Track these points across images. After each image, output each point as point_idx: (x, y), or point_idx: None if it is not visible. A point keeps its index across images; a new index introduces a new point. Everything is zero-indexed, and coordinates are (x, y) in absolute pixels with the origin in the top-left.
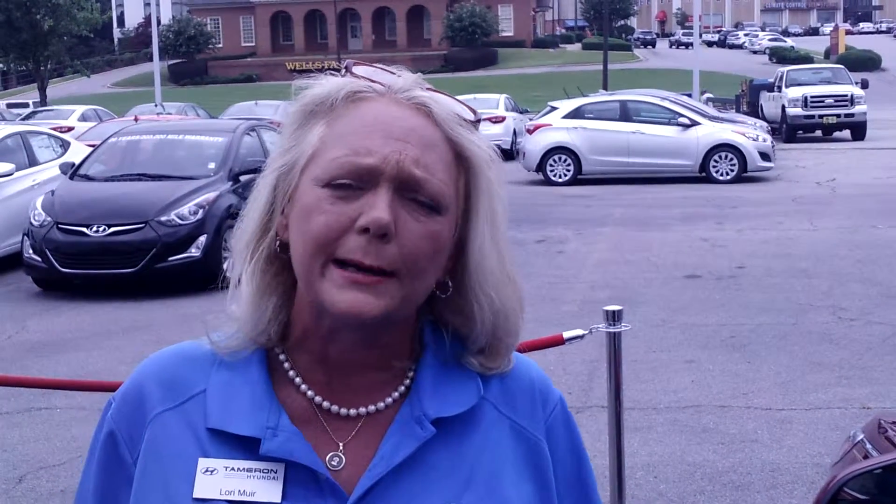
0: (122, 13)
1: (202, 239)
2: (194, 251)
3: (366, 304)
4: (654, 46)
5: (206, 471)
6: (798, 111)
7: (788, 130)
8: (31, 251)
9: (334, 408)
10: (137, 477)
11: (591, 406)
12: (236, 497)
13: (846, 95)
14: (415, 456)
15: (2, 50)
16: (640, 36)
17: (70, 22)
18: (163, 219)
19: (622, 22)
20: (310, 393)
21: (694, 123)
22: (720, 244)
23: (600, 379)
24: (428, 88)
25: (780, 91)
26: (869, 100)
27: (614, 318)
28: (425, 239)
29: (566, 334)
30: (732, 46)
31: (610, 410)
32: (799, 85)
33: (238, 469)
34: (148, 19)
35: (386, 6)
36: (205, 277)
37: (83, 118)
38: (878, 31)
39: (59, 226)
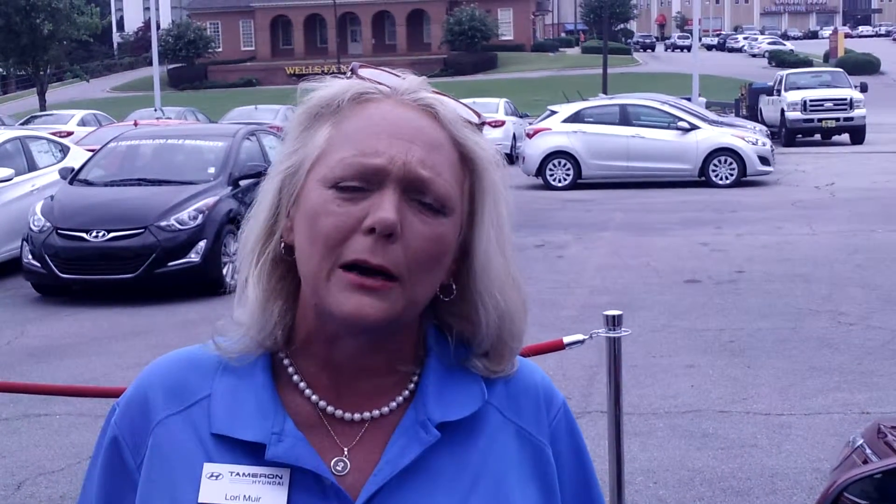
0: (121, 17)
1: (202, 244)
2: (194, 256)
3: (370, 308)
4: (653, 50)
5: (212, 476)
6: (797, 115)
7: (788, 134)
8: (30, 256)
9: (339, 412)
10: (142, 482)
11: (590, 411)
12: (241, 502)
13: (845, 99)
14: (420, 460)
15: (1, 54)
16: (640, 40)
17: (70, 26)
18: (162, 224)
19: (622, 26)
20: (314, 398)
21: (693, 127)
22: (720, 249)
23: (600, 384)
24: (433, 91)
25: (779, 95)
26: (868, 103)
27: (614, 322)
28: (430, 241)
29: (566, 339)
30: (732, 50)
31: (610, 415)
32: (798, 89)
33: (243, 474)
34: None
35: (386, 10)
36: (204, 283)
37: (82, 123)
38: (878, 35)
39: (59, 231)
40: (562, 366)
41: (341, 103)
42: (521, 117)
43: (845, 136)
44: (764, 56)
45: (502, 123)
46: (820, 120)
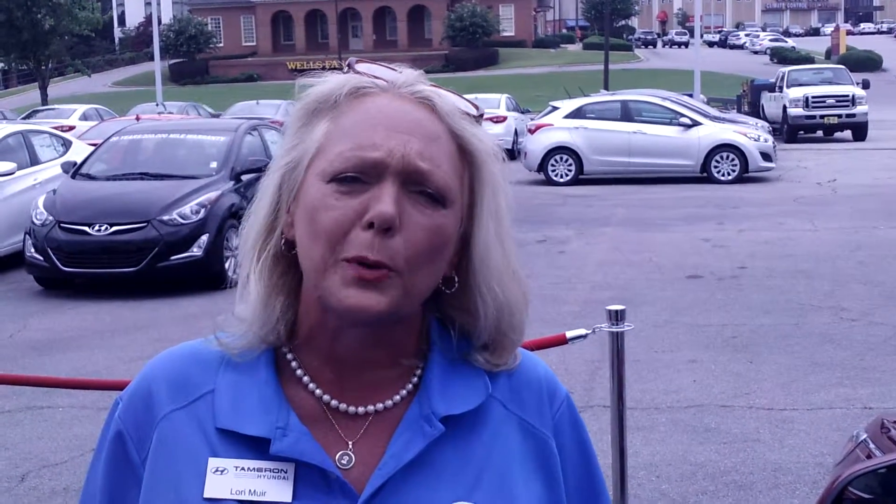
0: (122, 12)
1: (204, 238)
2: (196, 250)
3: (370, 300)
4: (654, 47)
5: (217, 470)
6: (799, 111)
7: (790, 131)
8: (32, 250)
9: (343, 406)
10: (147, 477)
11: (593, 406)
12: (247, 497)
13: (847, 96)
14: (424, 454)
15: (3, 49)
16: (641, 36)
17: (71, 21)
18: (165, 218)
19: (623, 22)
20: (318, 392)
21: (695, 123)
22: (721, 244)
23: (602, 379)
24: (430, 85)
25: (781, 91)
26: (870, 100)
27: (617, 317)
28: (430, 232)
29: (569, 334)
30: (733, 47)
31: (612, 410)
32: (800, 85)
33: (248, 469)
34: (149, 19)
35: (387, 6)
36: (206, 277)
37: (84, 117)
38: (879, 32)
39: (61, 225)
40: (564, 361)
41: (338, 98)
42: (522, 113)
43: (847, 133)
44: (765, 53)
45: (504, 119)
46: (822, 116)
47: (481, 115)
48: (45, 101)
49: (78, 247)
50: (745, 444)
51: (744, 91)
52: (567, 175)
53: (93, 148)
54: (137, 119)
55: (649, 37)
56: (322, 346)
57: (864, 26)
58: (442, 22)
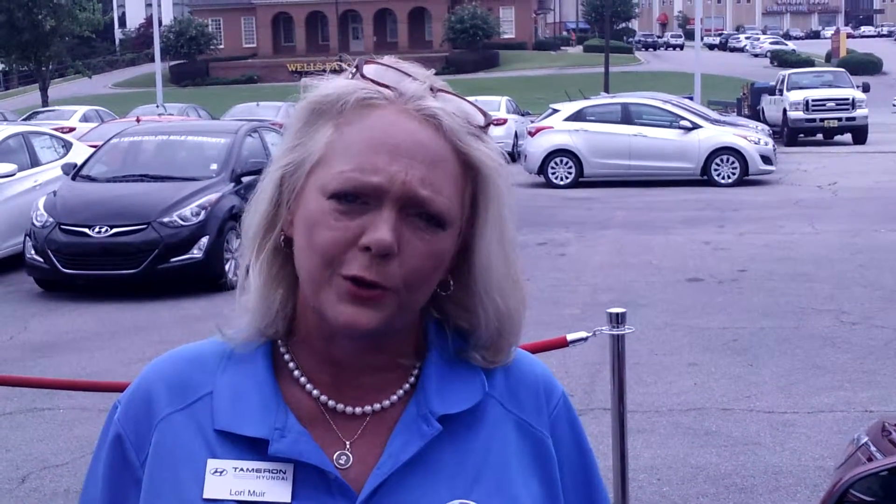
0: (123, 14)
1: (204, 240)
2: (196, 252)
3: (364, 318)
4: (655, 49)
5: (216, 472)
6: (799, 115)
7: (790, 134)
8: (33, 252)
9: (340, 406)
10: (146, 479)
11: (593, 408)
12: (246, 497)
13: (847, 99)
14: (422, 453)
15: (3, 50)
16: (642, 39)
17: (72, 22)
18: (165, 220)
19: (623, 24)
20: (315, 392)
21: (695, 126)
22: (722, 247)
23: (602, 381)
24: (440, 90)
25: (781, 94)
26: (870, 103)
27: (618, 320)
28: (428, 258)
29: (570, 336)
30: (734, 49)
31: (613, 413)
32: (800, 88)
33: (247, 470)
34: (149, 20)
35: (387, 7)
36: (207, 278)
37: (85, 119)
38: (880, 35)
39: (62, 226)
40: (565, 363)
41: (344, 106)
42: (522, 115)
43: (847, 136)
44: (766, 56)
45: (504, 122)
46: (822, 120)
47: (489, 125)
48: (45, 102)
49: (78, 248)
50: (745, 447)
51: (744, 94)
52: (567, 178)
53: (93, 149)
54: (138, 121)
55: (649, 39)
56: (318, 347)
57: (865, 29)
58: (442, 24)
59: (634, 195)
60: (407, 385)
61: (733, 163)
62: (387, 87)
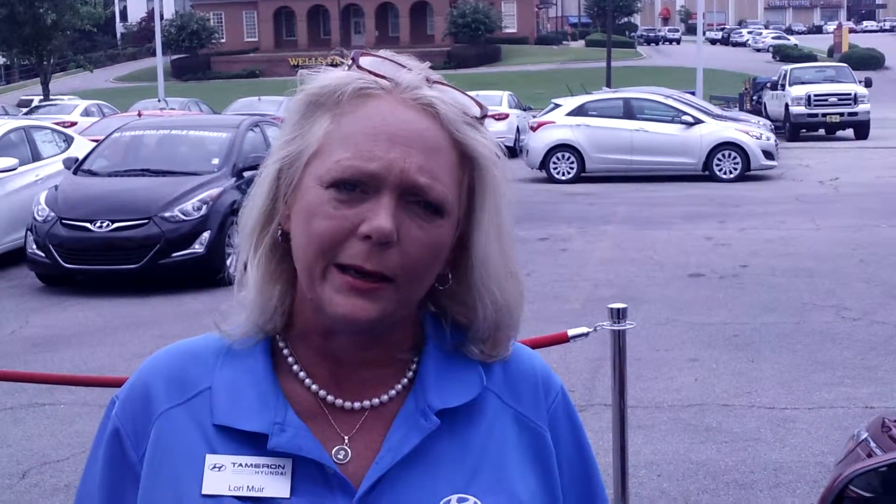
0: (124, 7)
1: (206, 235)
2: (198, 247)
3: (362, 309)
4: (657, 44)
5: (214, 467)
6: (801, 110)
7: (792, 129)
8: (34, 246)
9: (339, 401)
10: (145, 474)
11: (594, 404)
12: (245, 493)
13: (849, 94)
14: (421, 447)
15: (5, 44)
16: (644, 33)
17: (73, 16)
18: (166, 215)
19: (625, 19)
20: (314, 387)
21: (697, 122)
22: (723, 243)
23: (603, 377)
24: (436, 81)
25: (783, 89)
26: (872, 98)
27: (619, 315)
28: (427, 246)
29: (571, 332)
30: (736, 44)
31: (614, 408)
32: (802, 83)
33: (246, 465)
34: (151, 14)
35: (389, 2)
36: (208, 273)
37: (86, 113)
38: (882, 30)
39: (63, 221)
40: (565, 359)
41: (341, 97)
42: (524, 110)
43: (849, 132)
44: (768, 51)
45: (506, 116)
46: (824, 115)
47: (485, 116)
48: (46, 96)
49: (79, 243)
50: (746, 443)
51: (746, 89)
52: (569, 173)
53: (95, 144)
54: (139, 115)
55: (651, 34)
56: (317, 342)
57: (867, 24)
58: (444, 18)
59: (636, 190)
60: (405, 380)
61: (735, 158)
62: (383, 77)
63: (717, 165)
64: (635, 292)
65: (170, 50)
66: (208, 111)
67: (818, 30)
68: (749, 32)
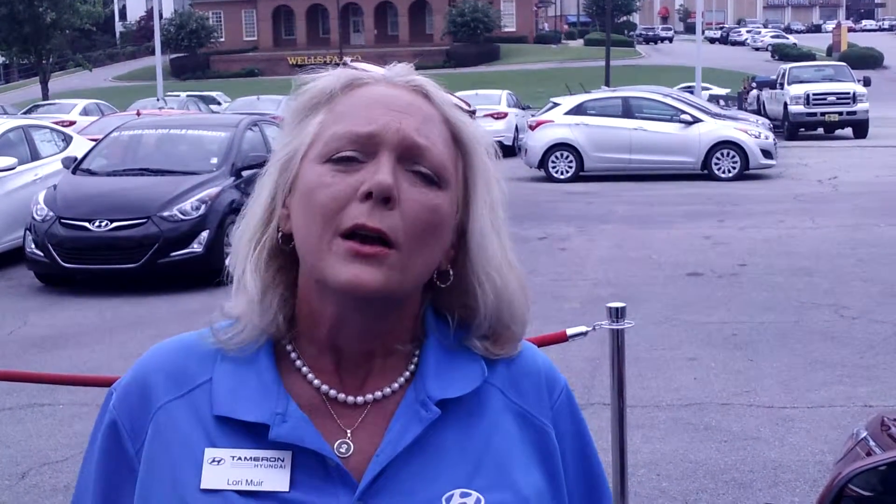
0: (123, 6)
1: (204, 234)
2: (196, 247)
3: (367, 276)
4: (655, 43)
5: (213, 461)
6: (800, 108)
7: (790, 128)
8: (33, 246)
9: (341, 396)
10: (143, 468)
11: (593, 403)
12: (244, 487)
13: (848, 93)
14: (422, 439)
15: (4, 43)
16: (643, 32)
17: (72, 15)
18: (165, 214)
19: (625, 18)
20: (316, 382)
21: (696, 120)
22: (722, 242)
23: (602, 376)
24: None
25: (782, 88)
26: (871, 98)
27: (618, 314)
28: (427, 209)
29: (570, 331)
30: (735, 43)
31: (613, 407)
32: (801, 82)
33: (245, 458)
34: (150, 13)
35: (388, 1)
36: (207, 273)
37: (85, 112)
38: (881, 29)
39: (62, 220)
40: (564, 358)
41: (334, 91)
42: (523, 109)
43: (848, 131)
44: (767, 49)
45: (505, 115)
46: (823, 114)
47: (473, 112)
48: (45, 95)
49: (78, 243)
50: (745, 442)
51: (744, 88)
52: (568, 172)
53: (93, 143)
54: (138, 114)
55: (650, 33)
56: (320, 336)
57: (866, 23)
58: (443, 17)
59: (635, 189)
60: (407, 373)
61: (734, 157)
62: (374, 69)
63: (716, 164)
64: (634, 291)
65: (169, 49)
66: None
67: (817, 29)
68: (748, 31)
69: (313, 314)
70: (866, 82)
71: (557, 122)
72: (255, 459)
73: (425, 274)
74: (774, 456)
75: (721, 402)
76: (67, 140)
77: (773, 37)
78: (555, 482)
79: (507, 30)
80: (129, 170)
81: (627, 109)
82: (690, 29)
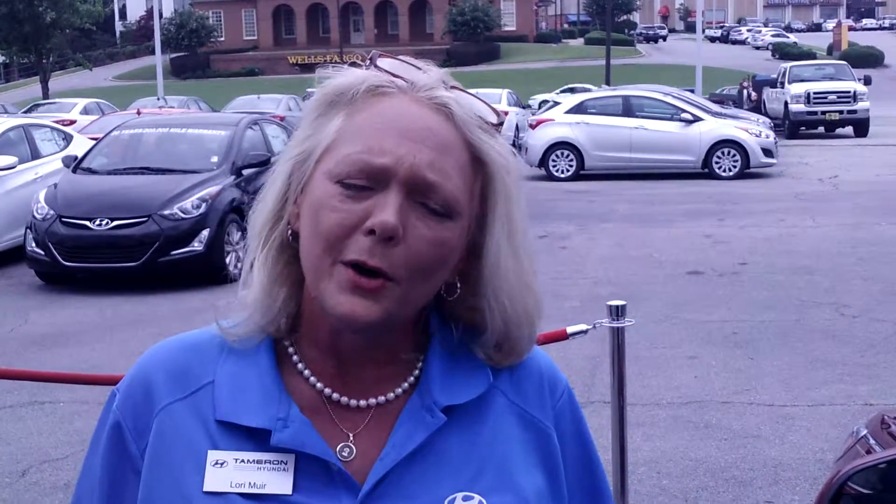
0: (123, 6)
1: (205, 233)
2: (197, 245)
3: (364, 309)
4: (655, 42)
5: (216, 463)
6: (801, 107)
7: (791, 126)
8: (33, 244)
9: (343, 399)
10: (146, 469)
11: (593, 401)
12: (247, 490)
13: (849, 92)
14: (426, 444)
15: (4, 42)
16: (643, 31)
17: (72, 14)
18: (166, 212)
19: (625, 17)
20: (318, 385)
21: (697, 119)
22: (722, 240)
23: (602, 374)
24: (452, 86)
25: (782, 87)
26: (871, 96)
27: (618, 313)
28: (433, 245)
29: (570, 329)
30: (735, 42)
31: (613, 406)
32: (802, 81)
33: (248, 461)
34: (150, 12)
35: (388, 0)
36: (207, 271)
37: (85, 111)
38: (881, 28)
39: (62, 219)
40: (565, 356)
41: (356, 94)
42: (523, 108)
43: (849, 129)
44: (767, 48)
45: (505, 114)
46: (823, 112)
47: (501, 123)
48: (46, 94)
49: (79, 241)
50: (745, 441)
51: (745, 86)
52: (568, 170)
53: (94, 142)
54: (139, 113)
55: (651, 32)
56: (322, 340)
57: (866, 22)
58: (443, 16)
59: (635, 188)
60: (411, 378)
61: (734, 155)
62: (400, 77)
63: (717, 163)
64: (634, 290)
65: (169, 48)
66: (207, 109)
67: (817, 28)
68: (748, 30)
69: (316, 319)
70: (867, 81)
71: (558, 121)
72: (258, 462)
73: (427, 298)
74: (775, 454)
75: (721, 401)
76: (68, 139)
77: (773, 36)
78: (555, 483)
79: (507, 29)
80: (130, 168)
81: (628, 108)
82: (690, 28)
